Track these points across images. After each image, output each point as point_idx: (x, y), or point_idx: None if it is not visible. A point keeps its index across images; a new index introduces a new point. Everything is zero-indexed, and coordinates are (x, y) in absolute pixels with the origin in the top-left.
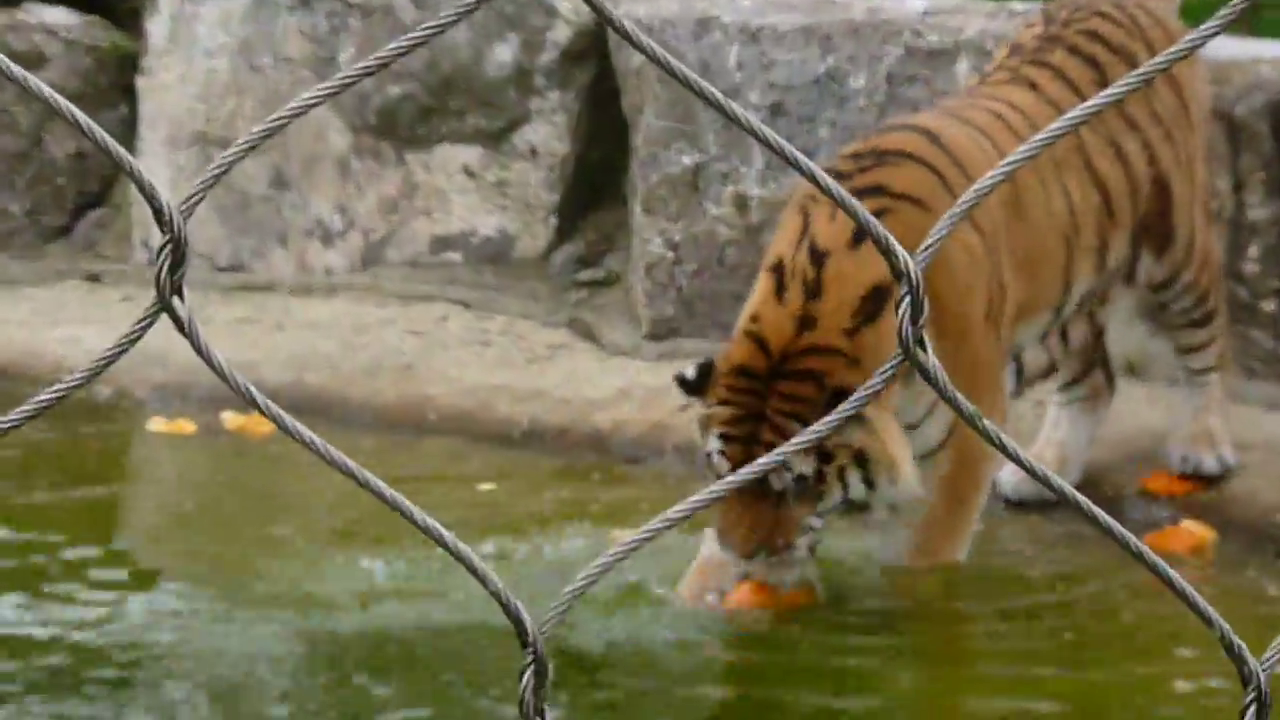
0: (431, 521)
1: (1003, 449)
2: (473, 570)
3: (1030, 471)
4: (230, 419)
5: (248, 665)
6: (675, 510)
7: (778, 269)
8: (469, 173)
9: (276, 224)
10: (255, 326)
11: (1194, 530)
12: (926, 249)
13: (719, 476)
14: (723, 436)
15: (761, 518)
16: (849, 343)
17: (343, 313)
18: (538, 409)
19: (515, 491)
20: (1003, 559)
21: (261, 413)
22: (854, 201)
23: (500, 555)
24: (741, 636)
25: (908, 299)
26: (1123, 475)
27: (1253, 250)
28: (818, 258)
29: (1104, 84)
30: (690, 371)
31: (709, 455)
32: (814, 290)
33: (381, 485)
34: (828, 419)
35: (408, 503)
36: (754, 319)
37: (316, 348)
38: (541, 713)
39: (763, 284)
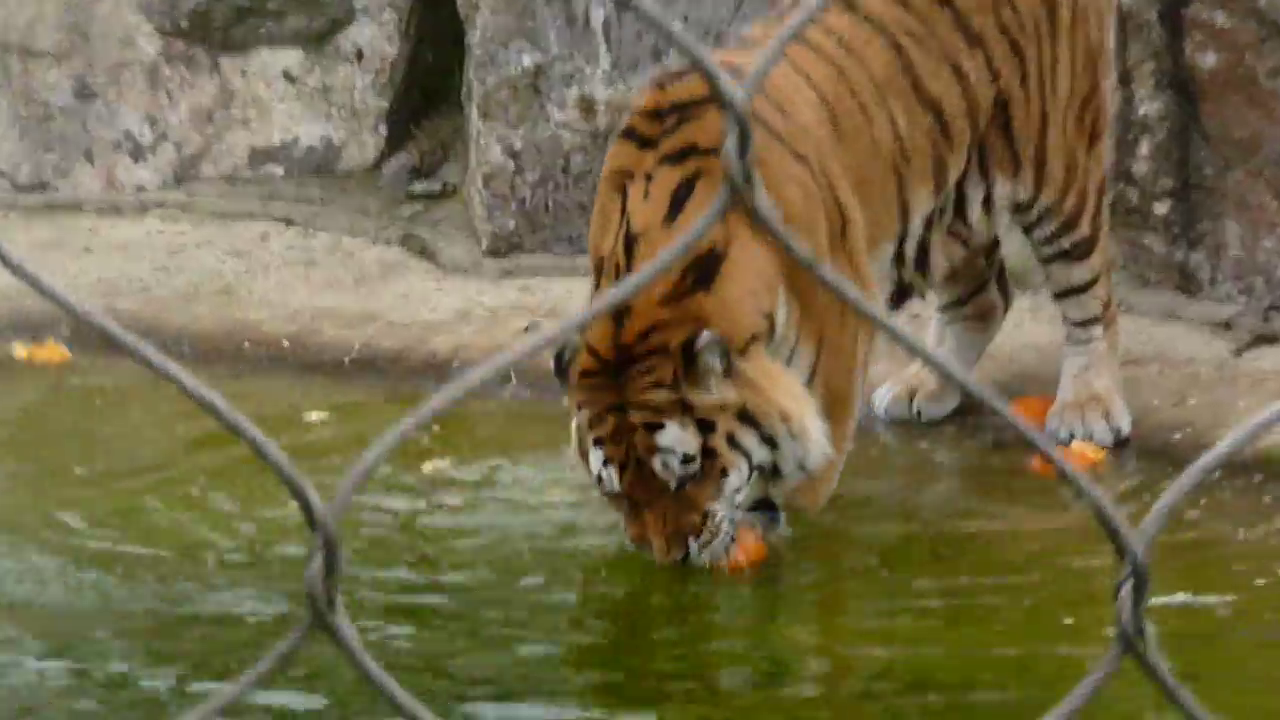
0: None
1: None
2: (261, 452)
3: (899, 340)
4: (20, 349)
5: (70, 614)
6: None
7: (597, 266)
8: (289, 78)
9: (81, 138)
10: (60, 250)
11: (1085, 451)
12: (750, 80)
13: (611, 492)
14: (597, 442)
15: (665, 515)
16: (677, 309)
17: (155, 233)
18: (369, 333)
19: (345, 421)
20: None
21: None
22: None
23: (327, 487)
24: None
25: (735, 134)
26: (1005, 395)
27: (1143, 148)
28: (630, 245)
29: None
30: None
31: (598, 476)
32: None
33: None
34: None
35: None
36: (584, 327)
37: (127, 272)
38: (332, 602)
39: (591, 283)
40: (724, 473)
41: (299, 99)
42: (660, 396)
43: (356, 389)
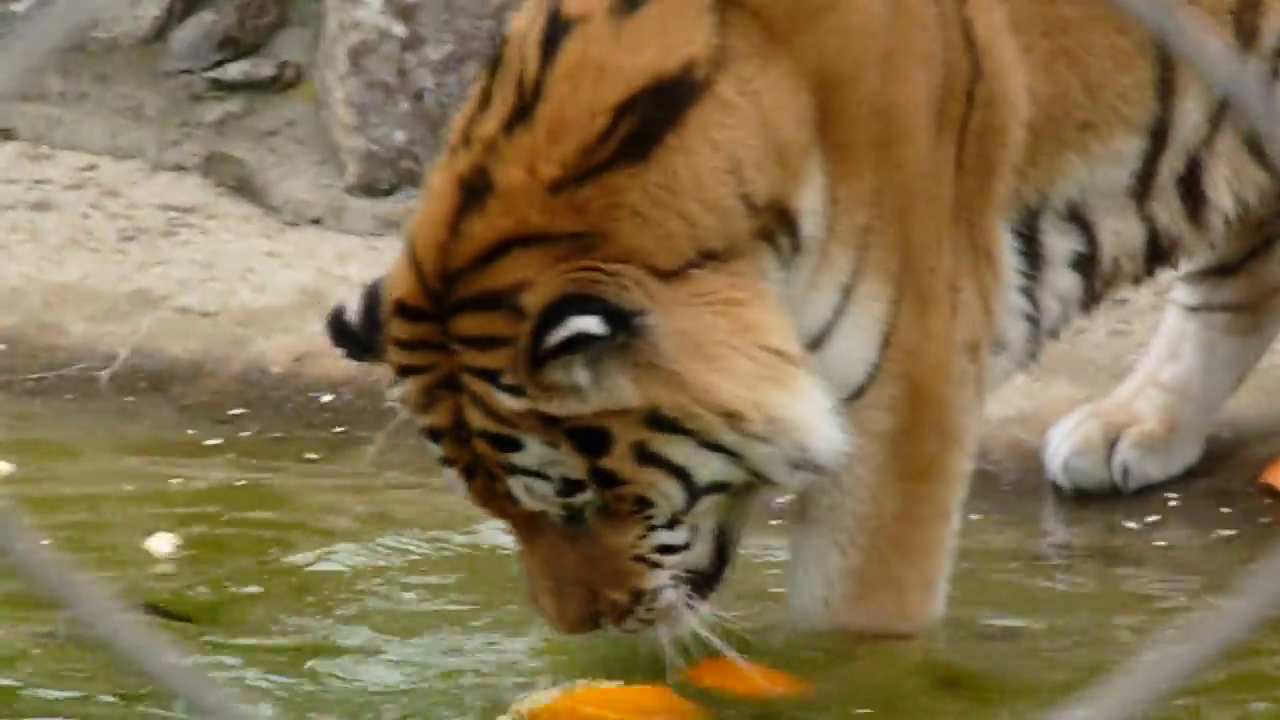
0: None
1: None
2: None
3: None
4: None
5: None
6: None
7: (493, 59)
8: None
9: None
10: None
11: None
12: None
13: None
14: (432, 434)
15: (565, 567)
16: (564, 206)
17: None
18: (141, 332)
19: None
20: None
21: None
22: None
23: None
24: None
25: None
26: (1273, 445)
27: None
28: (554, 34)
29: None
30: (351, 310)
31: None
32: (525, 105)
33: None
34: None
35: None
36: (420, 198)
37: None
38: None
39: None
40: (642, 503)
41: None
42: (504, 401)
43: (105, 430)
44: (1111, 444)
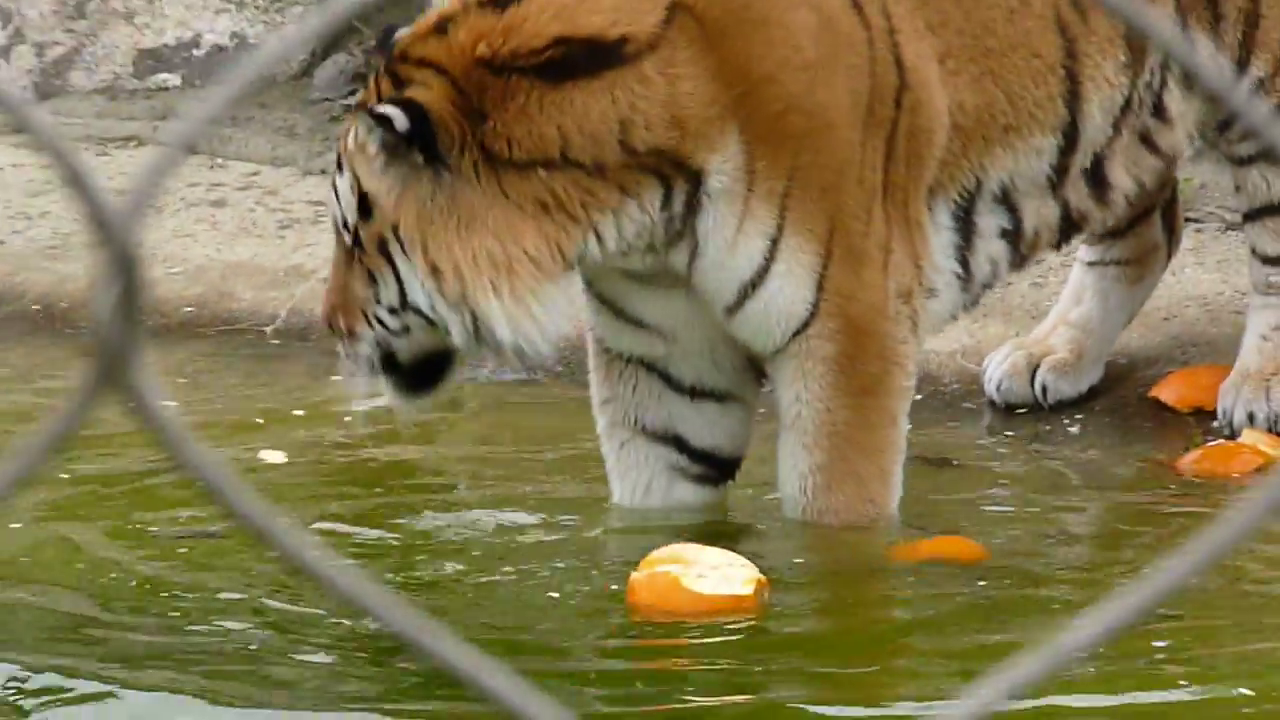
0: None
1: None
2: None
3: None
4: None
5: None
6: None
7: None
8: None
9: None
10: None
11: (1258, 443)
12: None
13: None
14: (338, 141)
15: (335, 277)
16: (471, 72)
17: (9, 166)
18: (298, 297)
19: (267, 402)
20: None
21: None
22: None
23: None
24: None
25: None
26: (1163, 365)
27: None
28: None
29: None
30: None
31: None
32: (502, 3)
33: None
34: None
35: None
36: None
37: None
38: (129, 353)
39: None
40: (371, 276)
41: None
42: (347, 141)
43: (278, 367)
44: (1033, 369)
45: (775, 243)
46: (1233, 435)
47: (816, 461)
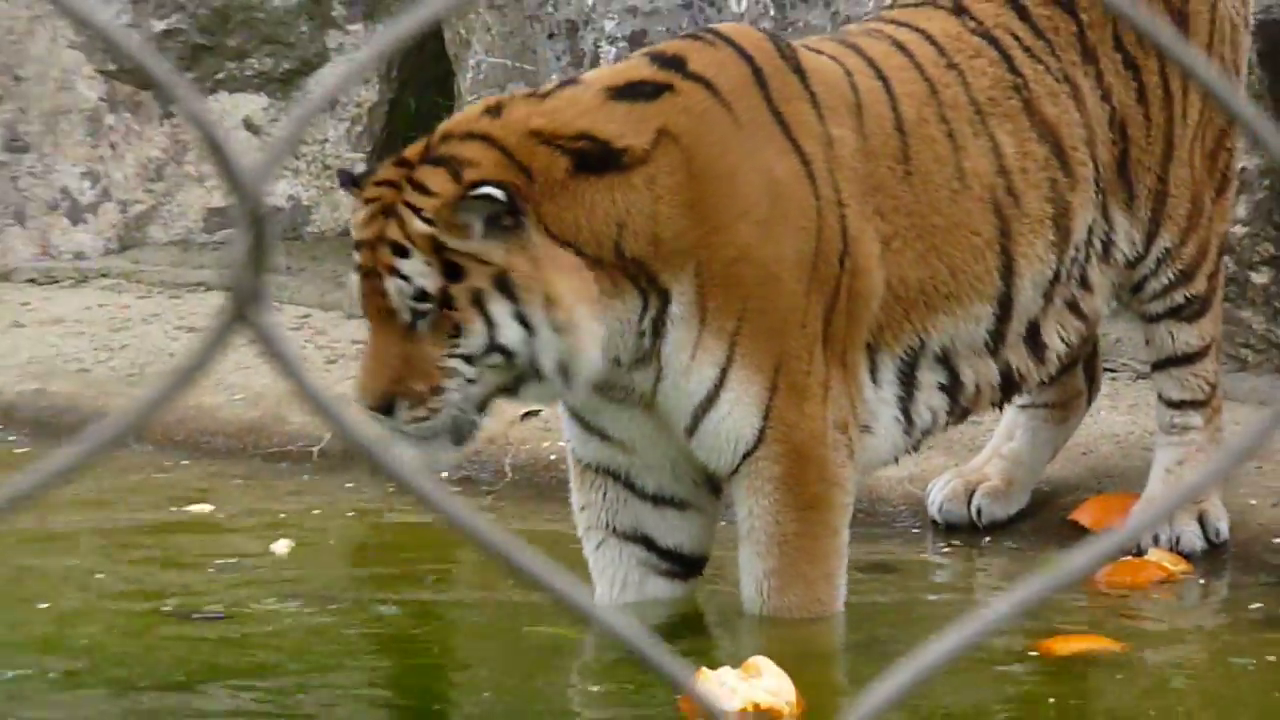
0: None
1: None
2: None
3: None
4: None
5: None
6: None
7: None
8: (252, 127)
9: (12, 196)
10: None
11: (1162, 561)
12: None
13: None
14: (359, 245)
15: (390, 355)
16: (525, 142)
17: (96, 306)
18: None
19: (312, 525)
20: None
21: None
22: None
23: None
24: None
25: None
26: (1078, 494)
27: (1240, 209)
28: (574, 81)
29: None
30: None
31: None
32: (542, 96)
33: None
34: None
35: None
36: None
37: (63, 349)
38: (257, 295)
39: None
40: (457, 330)
41: (262, 151)
42: (416, 226)
43: (323, 483)
44: (970, 494)
45: (725, 372)
46: (1140, 553)
47: (769, 567)
